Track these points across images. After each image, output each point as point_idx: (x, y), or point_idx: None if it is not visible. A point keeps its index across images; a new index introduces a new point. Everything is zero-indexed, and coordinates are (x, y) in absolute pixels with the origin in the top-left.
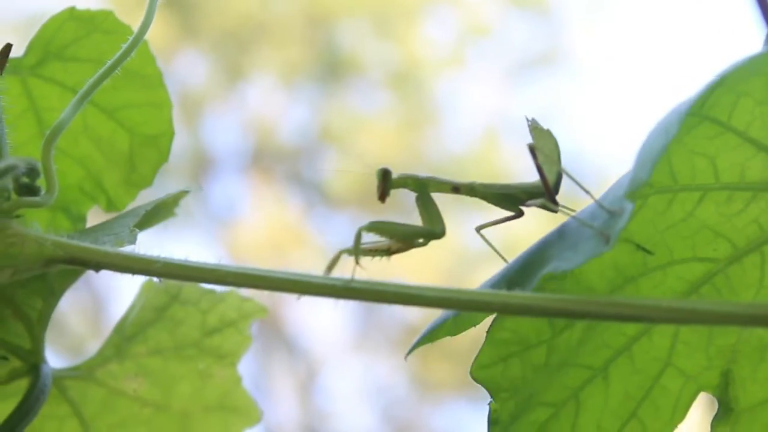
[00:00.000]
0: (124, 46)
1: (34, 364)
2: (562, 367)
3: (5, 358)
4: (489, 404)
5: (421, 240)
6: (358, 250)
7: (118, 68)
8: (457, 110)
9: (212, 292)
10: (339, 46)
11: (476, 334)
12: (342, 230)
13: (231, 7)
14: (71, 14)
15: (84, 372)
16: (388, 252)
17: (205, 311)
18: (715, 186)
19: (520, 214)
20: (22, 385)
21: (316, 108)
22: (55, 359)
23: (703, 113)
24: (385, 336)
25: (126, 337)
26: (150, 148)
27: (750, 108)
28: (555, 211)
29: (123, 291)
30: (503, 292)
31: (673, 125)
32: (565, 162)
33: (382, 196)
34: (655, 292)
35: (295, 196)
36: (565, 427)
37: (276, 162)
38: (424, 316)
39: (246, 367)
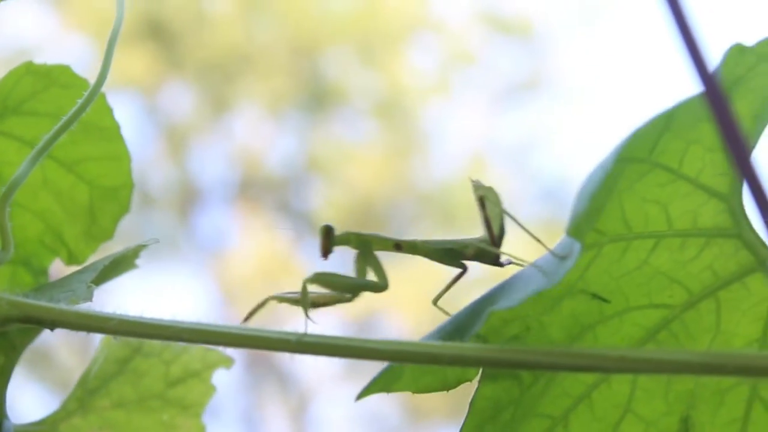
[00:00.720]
0: (80, 100)
1: None
2: (524, 419)
3: None
4: None
5: (353, 295)
6: (306, 303)
7: (75, 122)
8: (444, 137)
9: (174, 343)
10: (324, 76)
11: None
12: (331, 259)
13: (215, 39)
14: (28, 69)
15: (47, 427)
16: (316, 305)
17: (168, 362)
18: (669, 233)
19: (464, 270)
20: None
21: (303, 138)
22: (43, 395)
23: (653, 160)
24: (376, 364)
25: (89, 390)
26: (110, 201)
27: (700, 155)
28: (501, 266)
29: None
30: (457, 344)
31: (609, 162)
32: (553, 187)
33: (325, 252)
34: (613, 339)
35: (283, 226)
36: None
37: (264, 192)
38: None
39: (237, 397)
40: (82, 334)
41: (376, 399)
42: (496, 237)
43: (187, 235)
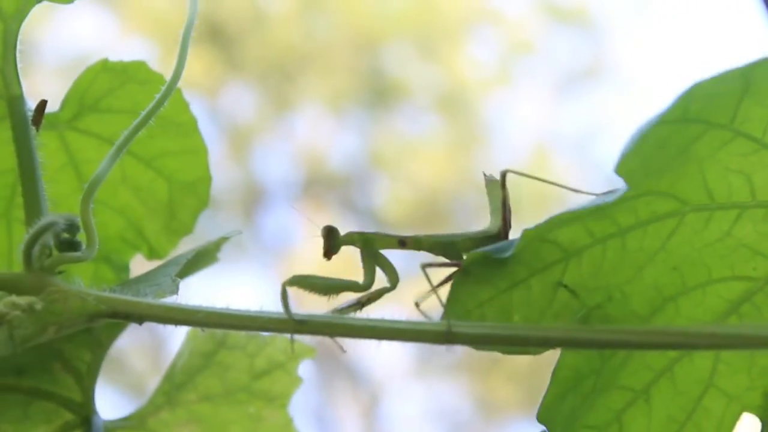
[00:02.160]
0: (158, 95)
1: (85, 416)
2: (605, 390)
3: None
4: None
5: (365, 280)
6: (286, 306)
7: (153, 117)
8: (506, 128)
9: (259, 335)
10: (384, 71)
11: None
12: (396, 256)
13: (274, 38)
14: (104, 66)
15: (136, 422)
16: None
17: (252, 355)
18: (752, 204)
19: (459, 264)
20: None
21: (365, 134)
22: (116, 398)
23: (736, 128)
24: (446, 359)
25: (176, 384)
26: (189, 195)
27: None
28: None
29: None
30: (544, 326)
31: (658, 115)
32: (616, 175)
33: (328, 253)
34: (695, 312)
35: (348, 224)
36: None
37: (327, 190)
38: None
39: (309, 397)
40: (155, 338)
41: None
42: (503, 230)
43: (252, 235)
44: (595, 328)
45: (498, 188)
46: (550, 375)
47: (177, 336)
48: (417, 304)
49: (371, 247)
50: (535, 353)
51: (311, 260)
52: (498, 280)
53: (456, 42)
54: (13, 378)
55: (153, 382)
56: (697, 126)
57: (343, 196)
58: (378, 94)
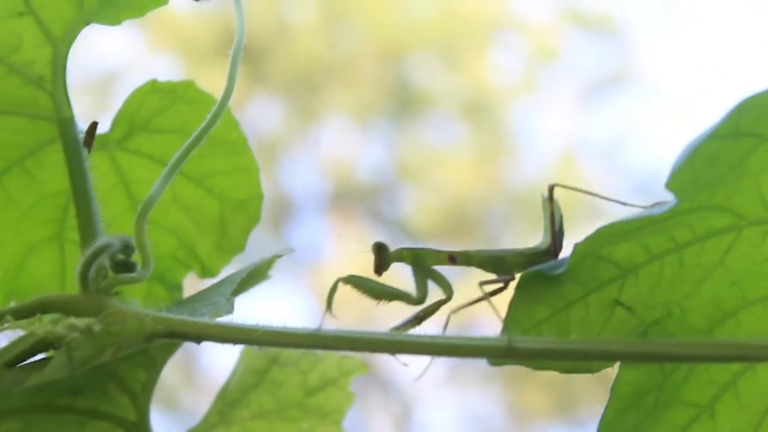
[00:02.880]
0: (209, 115)
1: None
2: (668, 406)
3: None
4: None
5: (417, 294)
6: (330, 301)
7: (205, 137)
8: (532, 136)
9: (311, 352)
10: (409, 81)
11: None
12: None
13: (298, 51)
14: (153, 87)
15: None
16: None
17: (305, 371)
18: None
19: (511, 278)
20: None
21: (392, 145)
22: (157, 421)
23: None
24: (478, 367)
25: (229, 402)
26: (240, 213)
27: None
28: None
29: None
30: (605, 340)
31: (709, 130)
32: (645, 182)
33: (378, 269)
34: (756, 326)
35: (377, 235)
36: None
37: (355, 201)
38: None
39: None
40: (186, 353)
41: (480, 401)
42: (553, 247)
43: (281, 247)
44: (657, 341)
45: (555, 208)
46: (581, 383)
47: (208, 351)
48: (449, 315)
49: (421, 262)
50: (596, 370)
51: (340, 272)
52: (554, 300)
53: (480, 50)
54: (69, 398)
55: (185, 397)
56: (749, 140)
57: (371, 207)
58: (403, 104)
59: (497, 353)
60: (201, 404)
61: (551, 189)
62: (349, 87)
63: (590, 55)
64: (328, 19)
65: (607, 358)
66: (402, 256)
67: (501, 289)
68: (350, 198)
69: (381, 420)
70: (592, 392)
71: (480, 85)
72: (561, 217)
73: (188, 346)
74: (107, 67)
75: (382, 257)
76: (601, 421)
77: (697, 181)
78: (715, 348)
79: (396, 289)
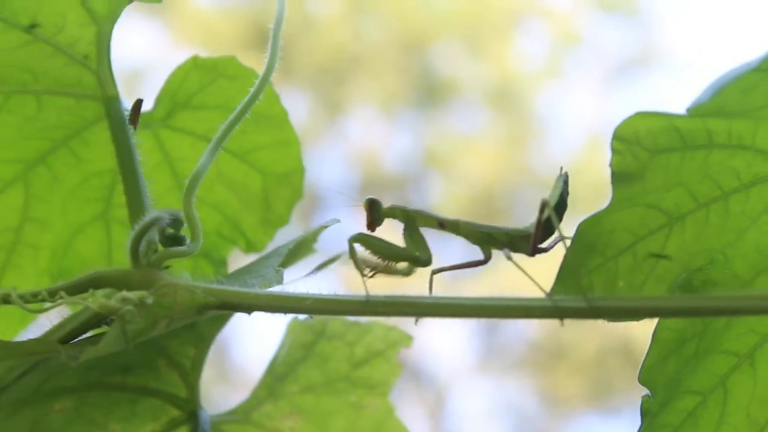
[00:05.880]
0: (252, 89)
1: (191, 411)
2: (708, 354)
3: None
4: (642, 397)
5: (404, 267)
6: (355, 257)
7: (248, 111)
8: (558, 121)
9: (357, 324)
10: (434, 70)
11: (602, 346)
12: (454, 255)
13: (324, 42)
14: (195, 63)
15: (240, 415)
16: (374, 270)
17: (351, 344)
18: None
19: (487, 259)
20: None
21: (418, 134)
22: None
23: None
24: (510, 354)
25: (277, 377)
26: (283, 187)
27: None
28: (531, 256)
29: (238, 327)
30: (654, 296)
31: (754, 61)
32: None
33: (371, 224)
34: None
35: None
36: (713, 415)
37: (383, 191)
38: (547, 333)
39: None
40: (216, 345)
41: (512, 388)
42: (539, 236)
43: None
44: (702, 296)
45: (558, 185)
46: (615, 368)
47: (239, 346)
48: (431, 275)
49: (412, 222)
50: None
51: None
52: (606, 248)
53: (504, 36)
54: (120, 376)
55: (216, 391)
56: None
57: (399, 196)
58: (429, 93)
59: (547, 314)
60: (234, 399)
61: (563, 172)
62: (375, 77)
63: (613, 37)
64: (352, 10)
65: (657, 314)
66: (394, 213)
67: (481, 262)
68: (378, 187)
69: (414, 410)
70: (625, 378)
71: (505, 72)
72: (565, 183)
73: (219, 341)
74: (132, 64)
75: (374, 213)
76: (642, 368)
77: (724, 108)
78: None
79: (404, 249)
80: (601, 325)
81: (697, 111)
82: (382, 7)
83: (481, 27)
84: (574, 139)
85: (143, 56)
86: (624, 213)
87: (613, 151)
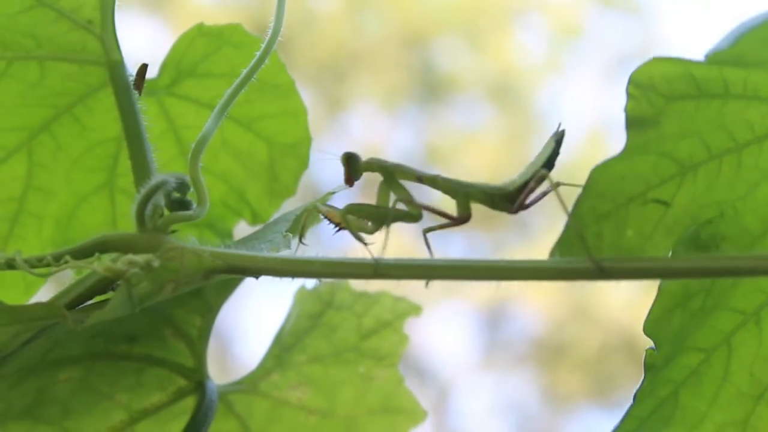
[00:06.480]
0: (258, 54)
1: (198, 381)
2: (714, 311)
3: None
4: (646, 350)
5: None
6: (352, 228)
7: (253, 78)
8: (560, 115)
9: (365, 295)
10: (435, 66)
11: (604, 342)
12: (458, 250)
13: (324, 39)
14: (200, 31)
15: (248, 385)
16: (339, 226)
17: (360, 315)
18: None
19: (466, 218)
20: (189, 403)
21: (420, 130)
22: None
23: None
24: (512, 351)
25: (285, 347)
26: (290, 157)
27: None
28: (514, 213)
29: (230, 308)
30: (666, 258)
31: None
32: None
33: (349, 179)
34: None
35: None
36: (717, 373)
37: None
38: (551, 331)
39: None
40: (219, 341)
41: (515, 385)
42: (519, 196)
43: (317, 236)
44: (713, 256)
45: (550, 144)
46: (617, 363)
47: (241, 342)
48: (425, 232)
49: (390, 175)
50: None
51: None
52: (616, 195)
53: (504, 31)
54: (126, 345)
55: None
56: None
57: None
58: (430, 89)
59: (583, 275)
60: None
61: (560, 133)
62: (376, 73)
63: (614, 31)
64: (353, 7)
65: (667, 276)
66: (372, 167)
67: (460, 221)
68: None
69: None
70: (628, 374)
71: (505, 67)
72: (557, 143)
73: (221, 335)
74: (132, 59)
75: (352, 167)
76: (646, 319)
77: (742, 57)
78: None
79: (397, 210)
80: (603, 320)
81: (715, 58)
82: (382, 3)
83: (481, 22)
84: (575, 134)
85: (143, 54)
86: (637, 160)
87: (629, 96)
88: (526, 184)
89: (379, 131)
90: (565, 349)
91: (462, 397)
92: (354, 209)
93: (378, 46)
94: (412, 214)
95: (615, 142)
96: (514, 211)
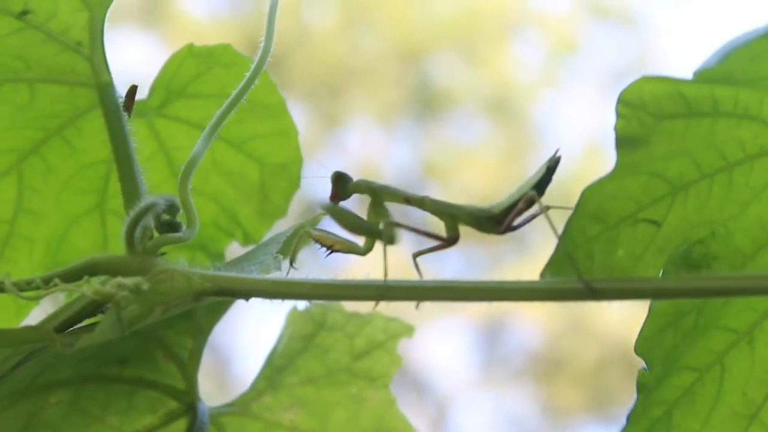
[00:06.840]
0: (248, 74)
1: (190, 403)
2: (706, 330)
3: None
4: (639, 370)
5: (363, 245)
6: (342, 246)
7: (243, 98)
8: (556, 130)
9: (357, 315)
10: (431, 81)
11: (602, 355)
12: (455, 266)
13: (320, 54)
14: (190, 51)
15: (239, 407)
16: (331, 249)
17: (352, 335)
18: None
19: (454, 240)
20: (181, 426)
21: (416, 145)
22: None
23: None
24: (511, 366)
25: (277, 368)
26: (281, 177)
27: None
28: (500, 234)
29: (226, 327)
30: (660, 279)
31: (762, 29)
32: None
33: (334, 197)
34: None
35: (404, 234)
36: (710, 393)
37: None
38: (549, 345)
39: None
40: (217, 357)
41: (514, 400)
42: (505, 219)
43: (314, 251)
44: (707, 277)
45: (542, 169)
46: (615, 378)
47: (241, 359)
48: (415, 255)
49: (378, 198)
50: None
51: (371, 272)
52: (607, 216)
53: (500, 46)
54: (117, 368)
55: (204, 385)
56: None
57: (399, 207)
58: (426, 104)
59: (578, 296)
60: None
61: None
62: (372, 89)
63: (610, 46)
64: (348, 23)
65: (661, 296)
66: (360, 188)
67: (449, 243)
68: None
69: (416, 423)
70: (626, 388)
71: (502, 81)
72: (550, 168)
73: (220, 353)
74: (128, 76)
75: (341, 187)
76: (638, 339)
77: (730, 75)
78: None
79: (372, 225)
80: (601, 335)
81: (703, 75)
82: (378, 19)
83: (477, 37)
84: (572, 148)
85: (138, 70)
86: (627, 180)
87: (618, 115)
88: (512, 206)
89: (376, 147)
90: (563, 363)
91: (461, 412)
92: (334, 210)
93: (374, 62)
94: (390, 236)
95: (611, 157)
96: (501, 232)
